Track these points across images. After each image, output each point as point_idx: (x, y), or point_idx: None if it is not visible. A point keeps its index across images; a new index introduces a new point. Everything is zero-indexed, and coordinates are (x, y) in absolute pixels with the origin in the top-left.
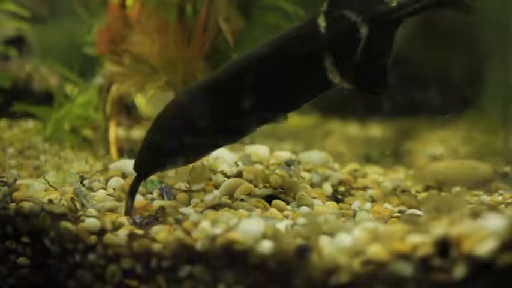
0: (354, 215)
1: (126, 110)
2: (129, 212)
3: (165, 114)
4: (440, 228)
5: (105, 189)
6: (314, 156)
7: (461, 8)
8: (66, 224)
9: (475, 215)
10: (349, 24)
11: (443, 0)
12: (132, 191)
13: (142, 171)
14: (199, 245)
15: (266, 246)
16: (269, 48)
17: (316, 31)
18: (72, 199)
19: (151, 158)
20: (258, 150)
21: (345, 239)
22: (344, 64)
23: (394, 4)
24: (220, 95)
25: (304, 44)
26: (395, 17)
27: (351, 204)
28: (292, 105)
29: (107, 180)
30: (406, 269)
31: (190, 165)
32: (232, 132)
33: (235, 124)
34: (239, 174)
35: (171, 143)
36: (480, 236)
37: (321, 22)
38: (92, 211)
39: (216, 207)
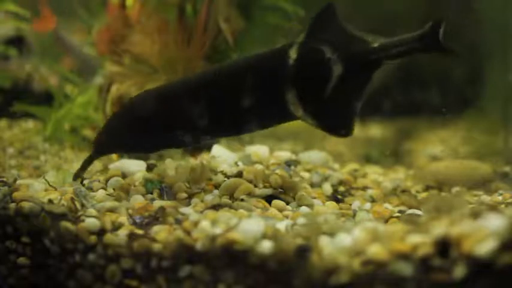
0: (354, 215)
1: None
2: (75, 178)
3: (119, 111)
4: (440, 228)
5: (105, 189)
6: (314, 156)
7: (448, 52)
8: (66, 224)
9: (475, 215)
10: (322, 60)
11: (431, 46)
12: (85, 164)
13: (98, 151)
14: (199, 245)
15: (266, 246)
16: (232, 68)
17: (284, 62)
18: (72, 199)
19: (105, 143)
20: (258, 150)
21: (345, 239)
22: (308, 99)
23: (375, 44)
24: (172, 103)
25: (268, 73)
26: (374, 58)
27: (351, 204)
28: (244, 129)
29: (107, 180)
30: (406, 269)
31: (189, 165)
32: (176, 141)
33: (179, 134)
34: (239, 174)
35: (120, 135)
36: (480, 236)
37: (292, 54)
38: (92, 211)
39: (216, 207)
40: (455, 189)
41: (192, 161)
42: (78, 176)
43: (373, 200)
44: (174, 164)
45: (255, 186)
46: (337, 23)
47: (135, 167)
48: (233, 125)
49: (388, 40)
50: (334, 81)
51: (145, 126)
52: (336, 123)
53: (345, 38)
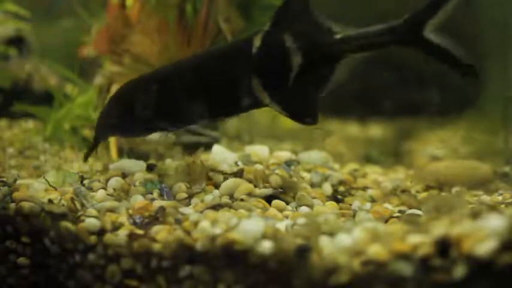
0: (354, 215)
1: None
2: (85, 160)
3: (111, 99)
4: (440, 228)
5: (105, 189)
6: (314, 156)
7: (419, 46)
8: (66, 224)
9: (475, 215)
10: (281, 49)
11: (397, 39)
12: (92, 147)
13: (99, 134)
14: (199, 245)
15: (266, 246)
16: (202, 57)
17: (248, 50)
18: (72, 199)
19: (103, 127)
20: (258, 150)
21: (345, 239)
22: (272, 87)
23: (338, 36)
24: (149, 92)
25: (233, 60)
26: (335, 50)
27: (351, 204)
28: (216, 114)
29: (107, 180)
30: (406, 269)
31: (189, 165)
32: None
33: (159, 119)
34: (239, 174)
35: (113, 119)
36: (480, 236)
37: (256, 42)
38: (92, 211)
39: (216, 207)
40: (455, 189)
41: (192, 161)
42: (87, 158)
43: (373, 200)
44: (174, 164)
45: (255, 186)
46: (307, 12)
47: (135, 167)
48: (205, 112)
49: (354, 32)
50: (295, 70)
51: (129, 111)
52: (300, 111)
53: (310, 28)
